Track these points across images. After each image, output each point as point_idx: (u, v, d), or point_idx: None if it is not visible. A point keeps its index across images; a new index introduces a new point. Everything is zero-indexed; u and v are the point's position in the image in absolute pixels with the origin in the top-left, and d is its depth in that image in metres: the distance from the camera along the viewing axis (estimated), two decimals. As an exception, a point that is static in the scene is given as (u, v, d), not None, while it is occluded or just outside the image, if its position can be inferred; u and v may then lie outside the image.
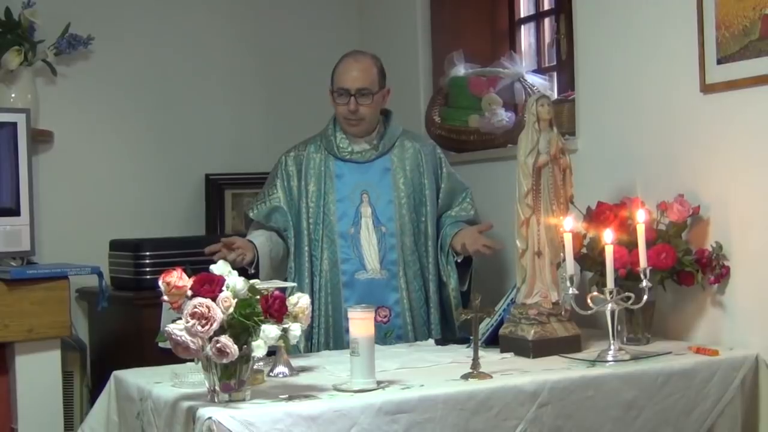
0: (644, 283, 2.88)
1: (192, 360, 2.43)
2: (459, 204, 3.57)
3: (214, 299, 2.32)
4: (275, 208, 3.47)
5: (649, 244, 2.97)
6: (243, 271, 3.25)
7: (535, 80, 4.11)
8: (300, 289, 3.21)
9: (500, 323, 3.08)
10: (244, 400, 2.39)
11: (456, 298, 3.46)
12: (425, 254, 3.47)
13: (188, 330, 2.29)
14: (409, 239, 3.44)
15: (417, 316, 3.43)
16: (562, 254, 2.98)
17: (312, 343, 3.38)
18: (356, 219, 3.40)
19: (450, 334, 3.46)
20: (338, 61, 3.47)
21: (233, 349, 2.29)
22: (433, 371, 2.78)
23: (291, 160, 3.50)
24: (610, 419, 2.67)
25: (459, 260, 3.46)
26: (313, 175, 3.45)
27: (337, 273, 3.38)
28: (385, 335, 3.32)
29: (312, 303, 2.70)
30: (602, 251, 2.91)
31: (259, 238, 3.42)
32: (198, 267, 2.53)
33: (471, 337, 2.75)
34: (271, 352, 2.62)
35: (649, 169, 3.28)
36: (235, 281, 2.38)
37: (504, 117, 4.00)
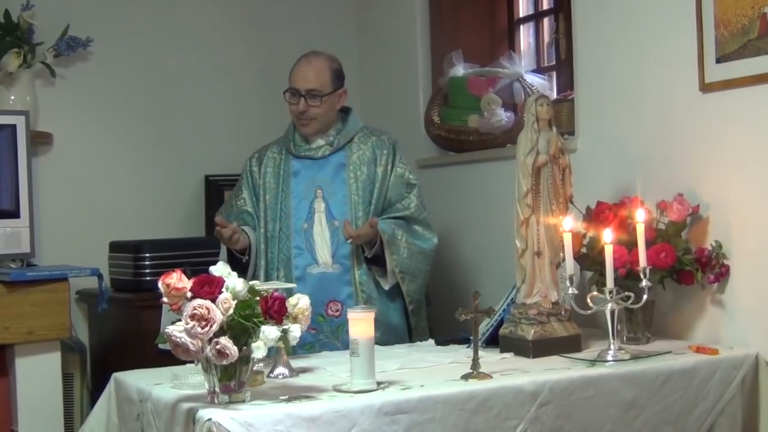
0: (644, 283, 2.88)
1: (192, 361, 2.42)
2: (402, 200, 3.52)
3: (213, 301, 2.32)
4: (243, 212, 3.51)
5: (649, 243, 2.97)
6: (237, 264, 3.32)
7: (534, 80, 4.10)
8: None
9: (500, 323, 3.08)
10: (244, 401, 2.39)
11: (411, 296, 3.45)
12: None
13: (188, 331, 2.29)
14: None
15: None
16: (561, 254, 2.98)
17: None
18: (309, 214, 3.42)
19: (417, 330, 3.48)
20: (296, 61, 3.49)
21: (233, 350, 2.29)
22: (433, 371, 2.78)
23: (254, 162, 3.56)
24: (610, 419, 2.67)
25: (368, 255, 3.41)
26: (272, 174, 3.50)
27: (290, 268, 3.38)
28: (336, 329, 3.32)
29: None
30: (602, 251, 2.91)
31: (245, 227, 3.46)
32: (198, 268, 2.53)
33: (471, 338, 2.75)
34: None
35: (648, 169, 3.27)
36: (234, 282, 2.38)
37: (503, 117, 4.00)
